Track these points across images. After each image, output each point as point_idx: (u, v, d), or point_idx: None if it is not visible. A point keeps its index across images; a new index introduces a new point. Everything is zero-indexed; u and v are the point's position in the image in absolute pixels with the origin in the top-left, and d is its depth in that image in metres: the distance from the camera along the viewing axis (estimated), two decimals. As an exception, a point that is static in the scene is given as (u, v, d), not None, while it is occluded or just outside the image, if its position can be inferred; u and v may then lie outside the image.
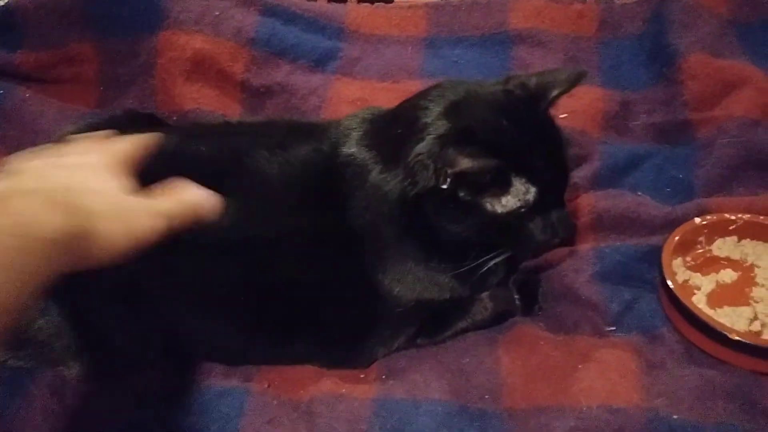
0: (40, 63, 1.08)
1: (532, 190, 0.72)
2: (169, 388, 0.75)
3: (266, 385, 0.75)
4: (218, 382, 0.75)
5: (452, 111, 0.73)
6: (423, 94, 0.78)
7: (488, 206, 0.72)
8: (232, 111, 1.06)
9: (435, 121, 0.73)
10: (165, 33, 1.05)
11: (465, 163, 0.67)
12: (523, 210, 0.73)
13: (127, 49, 1.07)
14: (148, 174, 0.79)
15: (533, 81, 0.77)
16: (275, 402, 0.73)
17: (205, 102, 1.04)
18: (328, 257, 0.76)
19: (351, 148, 0.77)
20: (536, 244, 0.76)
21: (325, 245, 0.76)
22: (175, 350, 0.77)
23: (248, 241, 0.74)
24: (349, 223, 0.75)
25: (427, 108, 0.74)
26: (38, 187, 0.57)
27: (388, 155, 0.75)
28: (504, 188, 0.72)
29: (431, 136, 0.72)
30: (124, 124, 0.86)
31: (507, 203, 0.72)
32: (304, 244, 0.75)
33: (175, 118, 1.02)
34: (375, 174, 0.75)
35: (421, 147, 0.71)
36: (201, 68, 1.05)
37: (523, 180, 0.72)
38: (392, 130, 0.77)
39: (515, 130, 0.73)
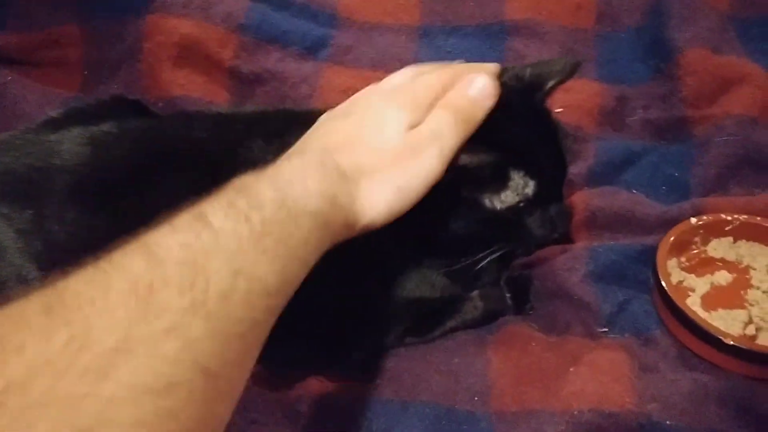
0: (23, 45, 1.06)
1: (531, 183, 0.71)
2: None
3: (251, 383, 0.73)
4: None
5: None
6: None
7: (487, 202, 0.71)
8: (220, 98, 1.03)
9: None
10: (152, 16, 1.02)
11: (464, 159, 0.65)
12: (522, 205, 0.71)
13: (113, 32, 1.05)
14: (136, 163, 0.77)
15: (528, 72, 0.75)
16: (260, 401, 0.71)
17: (192, 88, 1.01)
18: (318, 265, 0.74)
19: None
20: (536, 239, 0.75)
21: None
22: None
23: None
24: None
25: None
26: (310, 147, 0.57)
27: None
28: (503, 183, 0.71)
29: None
30: (109, 110, 0.84)
31: (506, 198, 0.71)
32: None
33: (161, 104, 1.00)
34: None
35: None
36: (189, 54, 1.02)
37: (522, 174, 0.71)
38: None
39: (512, 122, 0.71)
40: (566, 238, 0.85)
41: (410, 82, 0.64)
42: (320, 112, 0.81)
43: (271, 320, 0.46)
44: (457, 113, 0.60)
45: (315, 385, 0.72)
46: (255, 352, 0.45)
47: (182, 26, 1.02)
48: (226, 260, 0.42)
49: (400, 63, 1.08)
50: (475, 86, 0.63)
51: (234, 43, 1.04)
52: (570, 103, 0.99)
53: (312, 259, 0.49)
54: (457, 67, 0.66)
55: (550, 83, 0.74)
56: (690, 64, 0.98)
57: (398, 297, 0.75)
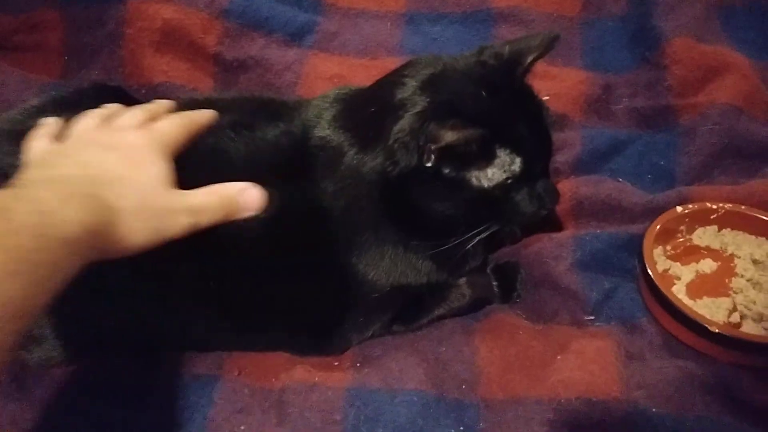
0: (2, 29, 1.04)
1: (517, 160, 0.71)
2: (137, 375, 0.72)
3: (237, 373, 0.73)
4: (188, 369, 0.73)
5: (429, 86, 0.71)
6: (397, 71, 0.76)
7: (474, 181, 0.70)
8: (204, 85, 1.02)
9: (412, 97, 0.70)
10: (134, 1, 1.01)
11: (449, 137, 0.65)
12: (509, 181, 0.71)
13: (94, 17, 1.03)
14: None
15: (507, 49, 0.75)
16: (246, 390, 0.71)
17: (175, 75, 1.00)
18: (300, 242, 0.73)
19: (324, 130, 0.75)
20: (524, 216, 0.75)
21: (296, 230, 0.73)
22: (142, 337, 0.74)
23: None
24: (321, 207, 0.73)
25: (402, 84, 0.72)
26: (64, 174, 0.55)
27: (364, 136, 0.73)
28: (489, 160, 0.70)
29: (410, 113, 0.69)
30: (90, 98, 0.82)
31: (493, 176, 0.71)
32: (273, 228, 0.72)
33: (143, 91, 0.98)
34: (350, 156, 0.72)
35: (401, 125, 0.69)
36: (171, 39, 1.01)
37: (508, 150, 0.70)
38: (367, 109, 0.74)
39: (494, 100, 0.71)
40: (553, 227, 0.85)
41: (158, 126, 0.64)
42: (293, 103, 0.81)
43: (15, 342, 0.44)
44: (224, 206, 0.61)
45: (301, 374, 0.71)
46: None
47: (165, 11, 1.00)
48: None
49: (386, 50, 1.08)
50: (250, 195, 0.62)
51: (218, 29, 1.03)
52: (556, 91, 0.99)
53: (65, 281, 0.48)
54: (187, 115, 0.66)
55: (530, 58, 0.74)
56: (675, 53, 0.98)
57: (384, 284, 0.75)
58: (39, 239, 0.45)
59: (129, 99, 0.89)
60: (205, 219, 0.60)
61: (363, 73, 1.01)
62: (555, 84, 1.01)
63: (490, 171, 0.71)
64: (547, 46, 0.75)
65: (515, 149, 0.71)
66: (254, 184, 0.62)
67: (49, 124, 0.65)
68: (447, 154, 0.67)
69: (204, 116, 0.67)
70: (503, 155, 0.70)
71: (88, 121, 0.64)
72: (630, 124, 0.98)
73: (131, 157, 0.59)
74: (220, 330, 0.75)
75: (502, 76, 0.73)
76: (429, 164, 0.68)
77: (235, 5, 1.04)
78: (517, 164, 0.71)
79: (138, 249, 0.56)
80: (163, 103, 0.69)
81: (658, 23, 1.01)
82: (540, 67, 1.02)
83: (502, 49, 0.75)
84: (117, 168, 0.58)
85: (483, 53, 0.76)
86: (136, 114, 0.65)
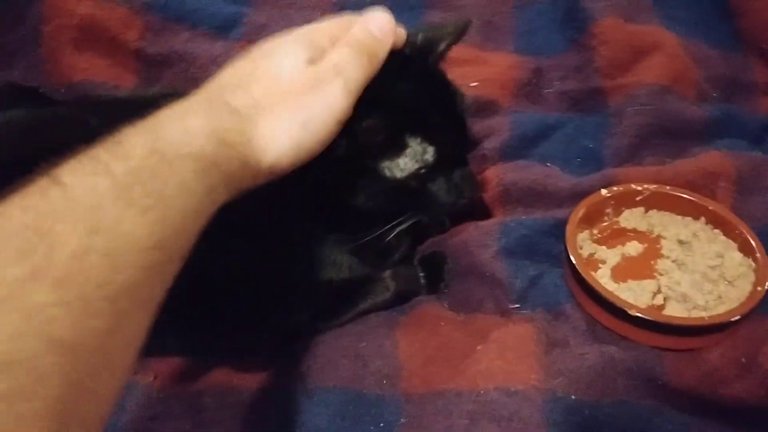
0: None
1: (430, 149, 0.69)
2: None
3: (152, 378, 0.71)
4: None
5: None
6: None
7: (386, 171, 0.69)
8: (127, 82, 1.00)
9: None
10: (51, -2, 0.98)
11: (353, 125, 0.64)
12: (423, 171, 0.70)
13: (11, 15, 1.00)
14: (21, 154, 0.73)
15: (420, 36, 0.73)
16: (161, 396, 0.69)
17: (95, 73, 0.97)
18: (215, 243, 0.71)
19: None
20: (442, 206, 0.74)
21: (212, 230, 0.71)
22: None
23: None
24: (238, 205, 0.71)
25: None
26: (199, 91, 0.52)
27: None
28: (400, 150, 0.69)
29: None
30: (3, 99, 0.80)
31: (405, 166, 0.69)
32: None
33: (63, 90, 0.96)
34: None
35: None
36: (90, 36, 0.98)
37: (419, 140, 0.69)
38: None
39: (405, 87, 0.69)
40: (480, 214, 0.84)
41: (309, 26, 0.61)
42: None
43: (159, 278, 0.42)
44: (360, 48, 0.58)
45: (218, 377, 0.70)
46: (139, 316, 0.41)
47: (82, 7, 0.98)
48: (78, 219, 0.38)
49: (316, 40, 1.06)
50: (376, 23, 0.61)
51: (139, 23, 1.01)
52: (486, 76, 0.98)
53: (203, 206, 0.45)
54: (354, 16, 0.64)
55: (442, 45, 0.73)
56: (603, 34, 0.97)
57: (304, 281, 0.73)
58: (153, 157, 0.42)
59: (44, 99, 0.88)
60: (353, 72, 0.56)
61: None
62: (485, 69, 0.99)
63: (401, 161, 0.69)
64: (460, 33, 0.74)
65: (427, 138, 0.69)
66: (373, 8, 0.60)
67: None
68: (356, 143, 0.66)
69: (351, 21, 0.62)
70: (414, 144, 0.69)
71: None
72: (561, 107, 0.98)
73: (266, 58, 0.56)
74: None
75: (414, 63, 0.72)
76: (340, 152, 0.66)
77: (157, -1, 1.02)
78: (429, 153, 0.70)
79: (294, 153, 0.52)
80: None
81: (586, 4, 1.01)
82: (471, 52, 1.03)
83: (415, 36, 0.74)
84: (247, 72, 0.54)
85: None
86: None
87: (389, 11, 0.63)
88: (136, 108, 0.73)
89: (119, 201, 0.40)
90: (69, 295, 0.36)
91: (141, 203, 0.40)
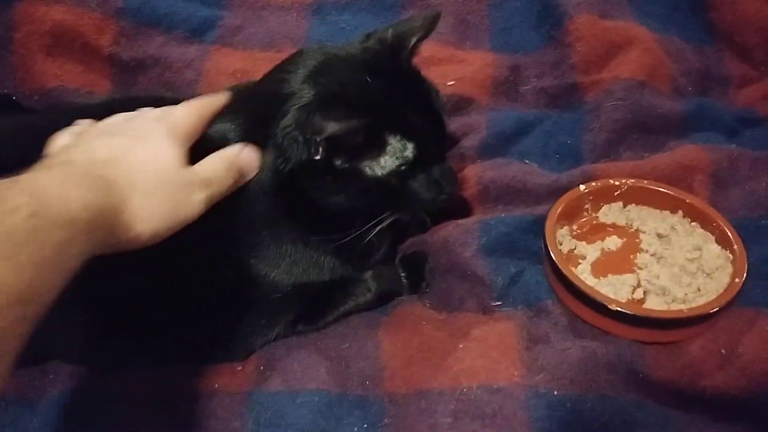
0: None
1: (409, 146, 0.70)
2: (21, 392, 0.69)
3: (133, 383, 0.70)
4: (80, 384, 0.70)
5: (313, 77, 0.70)
6: (282, 64, 0.74)
7: (367, 170, 0.69)
8: (101, 87, 0.98)
9: (297, 91, 0.69)
10: (21, 4, 0.96)
11: (332, 127, 0.64)
12: (403, 168, 0.70)
13: (-20, 25, 0.98)
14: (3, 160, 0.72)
15: (390, 33, 0.74)
16: (142, 402, 0.68)
17: (68, 79, 0.96)
18: (196, 245, 0.70)
19: (215, 127, 0.72)
20: (423, 202, 0.74)
21: (192, 232, 0.70)
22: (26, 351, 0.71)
23: None
24: (217, 208, 0.70)
25: (287, 78, 0.70)
26: (69, 159, 0.55)
27: (254, 133, 0.71)
28: (380, 149, 0.69)
29: (296, 106, 0.68)
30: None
31: (386, 164, 0.69)
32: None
33: (36, 97, 0.94)
34: None
35: (288, 120, 0.67)
36: (63, 42, 0.97)
37: (398, 137, 0.69)
38: (255, 105, 0.72)
39: (381, 86, 0.70)
40: (460, 213, 0.83)
41: (170, 113, 0.66)
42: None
43: (23, 330, 0.43)
44: (230, 170, 0.65)
45: (200, 382, 0.69)
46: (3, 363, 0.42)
47: (54, 13, 0.96)
48: None
49: (292, 42, 1.06)
50: (249, 153, 0.69)
51: (112, 28, 0.99)
52: (463, 75, 0.98)
53: (72, 266, 0.47)
54: (197, 101, 0.69)
55: (413, 40, 0.73)
56: (578, 30, 0.97)
57: (286, 283, 0.73)
58: (33, 220, 0.44)
59: (16, 107, 0.87)
60: (217, 189, 0.63)
61: (268, 67, 0.96)
62: (462, 68, 1.00)
63: (382, 159, 0.69)
64: (429, 27, 0.74)
65: (406, 135, 0.69)
66: (244, 143, 0.68)
67: (80, 123, 0.65)
68: (334, 145, 0.66)
69: (216, 100, 0.71)
70: (394, 142, 0.69)
71: (112, 118, 0.66)
72: (538, 104, 0.98)
73: (142, 141, 0.60)
74: (114, 346, 0.71)
75: (387, 61, 0.72)
76: (318, 157, 0.66)
77: (130, 3, 1.00)
78: (409, 150, 0.70)
79: (154, 234, 0.56)
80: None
81: (562, 1, 1.01)
82: (448, 51, 1.03)
83: (385, 33, 0.74)
84: (126, 150, 0.58)
85: (368, 39, 0.75)
86: (155, 111, 0.67)
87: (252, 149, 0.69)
88: (105, 116, 0.74)
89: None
90: None
91: (18, 260, 0.42)
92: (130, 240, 0.54)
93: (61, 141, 0.63)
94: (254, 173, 0.68)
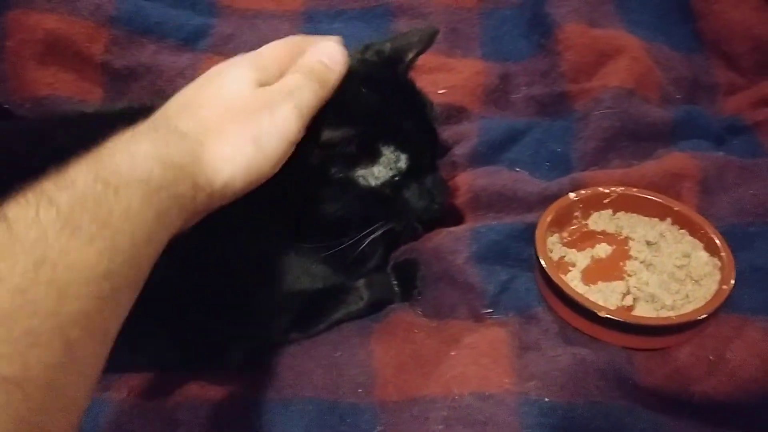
0: None
1: (403, 157, 0.71)
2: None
3: (126, 394, 0.70)
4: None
5: None
6: None
7: (361, 180, 0.70)
8: (93, 96, 0.98)
9: None
10: (13, 13, 0.96)
11: (326, 135, 0.65)
12: (397, 179, 0.71)
13: (-28, 33, 0.98)
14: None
15: (388, 46, 0.75)
16: (135, 411, 0.68)
17: (61, 87, 0.96)
18: (189, 253, 0.71)
19: None
20: (415, 212, 0.75)
21: (186, 240, 0.70)
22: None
23: None
24: (211, 216, 0.71)
25: None
26: (143, 122, 0.51)
27: None
28: (374, 159, 0.70)
29: None
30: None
31: (379, 174, 0.70)
32: None
33: (28, 105, 0.95)
34: None
35: None
36: (55, 50, 0.96)
37: (392, 148, 0.70)
38: None
39: (376, 97, 0.71)
40: (451, 221, 0.84)
41: (256, 51, 0.62)
42: None
43: (111, 307, 0.41)
44: (311, 75, 0.58)
45: (194, 390, 0.70)
46: (92, 347, 0.40)
47: (46, 21, 0.96)
48: (21, 252, 0.37)
49: (284, 50, 1.06)
50: (327, 52, 0.62)
51: (104, 37, 0.99)
52: (454, 83, 0.99)
53: (154, 232, 0.44)
54: (302, 37, 0.65)
55: (410, 55, 0.75)
56: (568, 39, 0.98)
57: (278, 291, 0.73)
58: (97, 185, 0.42)
59: (8, 115, 0.87)
60: (305, 97, 0.56)
61: None
62: (453, 76, 1.00)
63: (376, 169, 0.70)
64: (428, 42, 0.76)
65: (400, 146, 0.70)
66: (322, 37, 0.62)
67: None
68: (329, 153, 0.66)
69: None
70: (388, 153, 0.70)
71: None
72: (529, 112, 0.98)
73: (211, 82, 0.55)
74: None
75: (383, 73, 0.73)
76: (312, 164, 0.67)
77: (122, 12, 1.00)
78: (402, 161, 0.71)
79: (245, 173, 0.51)
80: None
81: (550, 10, 1.02)
82: (438, 59, 1.04)
83: (383, 46, 0.75)
84: (193, 96, 0.54)
85: (366, 51, 0.76)
86: None
87: (340, 41, 0.64)
88: (103, 123, 0.74)
89: (64, 231, 0.39)
90: (15, 331, 0.35)
91: (87, 232, 0.40)
92: (224, 188, 0.50)
93: None
94: (341, 68, 0.61)
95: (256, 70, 0.56)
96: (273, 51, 0.61)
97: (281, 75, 0.58)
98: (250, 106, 0.53)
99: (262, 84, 0.56)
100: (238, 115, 0.53)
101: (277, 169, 0.55)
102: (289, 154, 0.55)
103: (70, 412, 0.39)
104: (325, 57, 0.61)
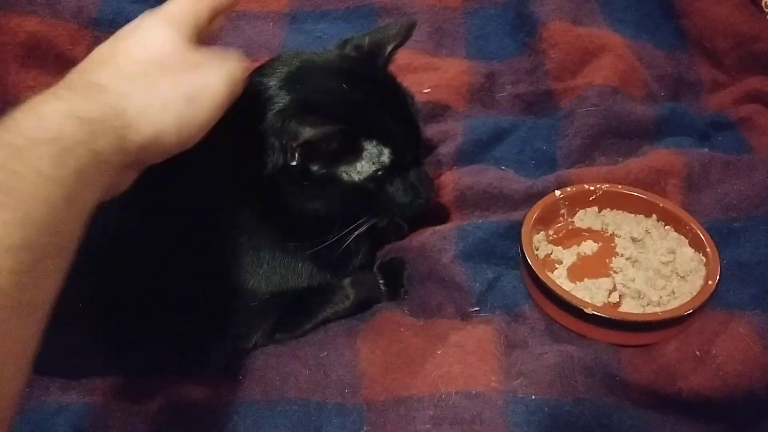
0: None
1: (386, 151, 0.70)
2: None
3: (111, 397, 0.69)
4: (55, 397, 0.69)
5: (289, 83, 0.70)
6: (259, 70, 0.74)
7: (344, 176, 0.70)
8: (76, 98, 0.98)
9: (273, 97, 0.69)
10: (-6, 15, 0.95)
11: (307, 133, 0.64)
12: (380, 173, 0.70)
13: (-46, 35, 0.97)
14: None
15: (366, 40, 0.75)
16: (119, 415, 0.67)
17: (42, 90, 0.95)
18: (174, 253, 0.70)
19: None
20: (400, 207, 0.74)
21: (171, 240, 0.70)
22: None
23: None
24: (197, 218, 0.70)
25: (263, 84, 0.70)
26: (64, 80, 0.48)
27: (232, 140, 0.70)
28: (356, 154, 0.70)
29: (272, 112, 0.68)
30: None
31: (362, 169, 0.70)
32: (147, 241, 0.69)
33: (9, 109, 0.93)
34: (224, 163, 0.70)
35: (264, 126, 0.68)
36: (37, 53, 0.96)
37: (375, 142, 0.70)
38: (232, 110, 0.72)
39: (357, 92, 0.70)
40: (437, 219, 0.84)
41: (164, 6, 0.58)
42: None
43: (35, 280, 0.39)
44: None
45: (178, 393, 0.69)
46: (18, 324, 0.38)
47: (28, 24, 0.96)
48: None
49: (269, 51, 1.06)
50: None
51: (87, 39, 0.99)
52: (439, 82, 0.99)
53: (74, 193, 0.42)
54: None
55: (389, 48, 0.74)
56: (552, 37, 0.98)
57: (263, 290, 0.72)
58: (5, 151, 0.39)
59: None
60: (235, 66, 0.55)
61: None
62: (438, 75, 1.00)
63: (359, 164, 0.70)
64: (406, 34, 0.75)
65: (382, 140, 0.70)
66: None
67: None
68: (310, 151, 0.66)
69: None
70: (370, 147, 0.70)
71: None
72: (514, 111, 0.99)
73: (129, 36, 0.53)
74: (92, 351, 0.71)
75: (363, 68, 0.73)
76: (294, 163, 0.67)
77: (105, 14, 1.00)
78: (385, 155, 0.70)
79: (176, 128, 0.49)
80: None
81: (535, 8, 1.02)
82: (424, 58, 1.04)
83: (362, 40, 0.75)
84: (111, 51, 0.51)
85: (345, 46, 0.76)
86: None
87: None
88: None
89: None
90: None
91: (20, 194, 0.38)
92: (153, 141, 0.48)
93: None
94: None
95: (176, 30, 0.54)
96: (182, 4, 0.57)
97: (197, 28, 0.56)
98: (182, 64, 0.52)
99: (191, 40, 0.55)
100: (169, 71, 0.51)
101: (207, 130, 0.54)
102: (219, 117, 0.54)
103: (3, 396, 0.37)
104: None
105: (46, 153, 0.41)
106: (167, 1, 0.57)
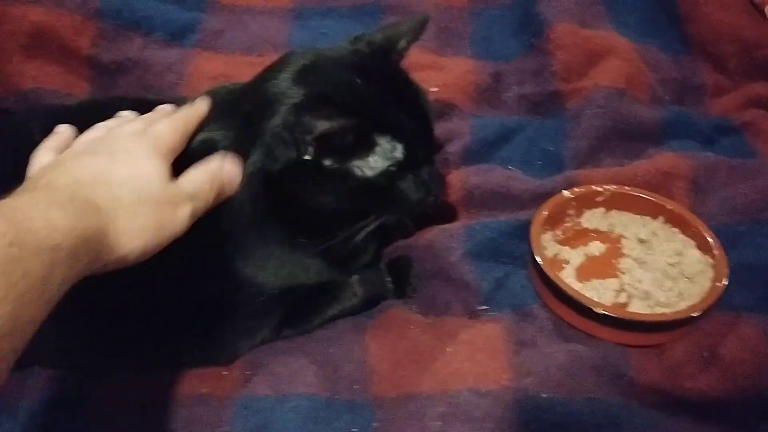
0: None
1: (399, 146, 0.69)
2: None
3: (118, 391, 0.69)
4: (60, 391, 0.68)
5: (303, 78, 0.69)
6: (271, 66, 0.74)
7: (357, 171, 0.69)
8: (80, 89, 0.97)
9: (286, 91, 0.68)
10: (-2, 5, 0.95)
11: (323, 126, 0.63)
12: (393, 169, 0.70)
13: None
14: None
15: (379, 36, 0.75)
16: (127, 409, 0.67)
17: (46, 80, 0.95)
18: (183, 247, 0.69)
19: (203, 131, 0.71)
20: (411, 203, 0.73)
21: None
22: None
23: None
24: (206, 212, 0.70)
25: (276, 79, 0.70)
26: (50, 183, 0.52)
27: (242, 134, 0.70)
28: (369, 149, 0.69)
29: (285, 106, 0.67)
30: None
31: (375, 164, 0.69)
32: None
33: (12, 99, 0.93)
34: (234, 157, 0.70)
35: (277, 120, 0.67)
36: (41, 43, 0.95)
37: (388, 138, 0.69)
38: (244, 107, 0.71)
39: (370, 87, 0.70)
40: (445, 218, 0.84)
41: (152, 128, 0.64)
42: (179, 101, 0.78)
43: (1, 366, 0.41)
44: (213, 183, 0.65)
45: (187, 387, 0.68)
46: None
47: (32, 14, 0.95)
48: None
49: (273, 47, 1.05)
50: (230, 166, 0.68)
51: (91, 30, 0.98)
52: (445, 81, 0.99)
53: (55, 295, 0.45)
54: (179, 114, 0.69)
55: (402, 43, 0.75)
56: (559, 38, 0.99)
57: (271, 286, 0.72)
58: (13, 249, 0.41)
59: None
60: (202, 203, 0.62)
61: (250, 71, 0.95)
62: (444, 74, 1.00)
63: (371, 159, 0.69)
64: (418, 30, 0.76)
65: (396, 136, 0.69)
66: (226, 154, 0.67)
67: (59, 133, 0.64)
68: (325, 145, 0.66)
69: (199, 110, 0.70)
70: (384, 143, 0.69)
71: (91, 132, 0.65)
72: (520, 111, 0.99)
73: (123, 159, 0.58)
74: (98, 347, 0.70)
75: (376, 63, 0.73)
76: (308, 157, 0.66)
77: (109, 5, 0.99)
78: (399, 151, 0.70)
79: (142, 253, 0.54)
80: (165, 108, 0.71)
81: (541, 9, 1.02)
82: (430, 57, 1.04)
83: (375, 36, 0.75)
84: (109, 170, 0.56)
85: (357, 42, 0.75)
86: (136, 122, 0.66)
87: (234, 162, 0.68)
88: (84, 115, 0.72)
89: None
90: None
91: None
92: (118, 261, 0.53)
93: (42, 160, 0.61)
94: (237, 185, 0.68)
95: (164, 161, 0.61)
96: (171, 134, 0.65)
97: (177, 153, 0.64)
98: (160, 197, 0.58)
99: (169, 175, 0.61)
100: (149, 202, 0.57)
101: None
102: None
103: None
104: (228, 169, 0.67)
105: (48, 259, 0.44)
106: (155, 124, 0.64)
